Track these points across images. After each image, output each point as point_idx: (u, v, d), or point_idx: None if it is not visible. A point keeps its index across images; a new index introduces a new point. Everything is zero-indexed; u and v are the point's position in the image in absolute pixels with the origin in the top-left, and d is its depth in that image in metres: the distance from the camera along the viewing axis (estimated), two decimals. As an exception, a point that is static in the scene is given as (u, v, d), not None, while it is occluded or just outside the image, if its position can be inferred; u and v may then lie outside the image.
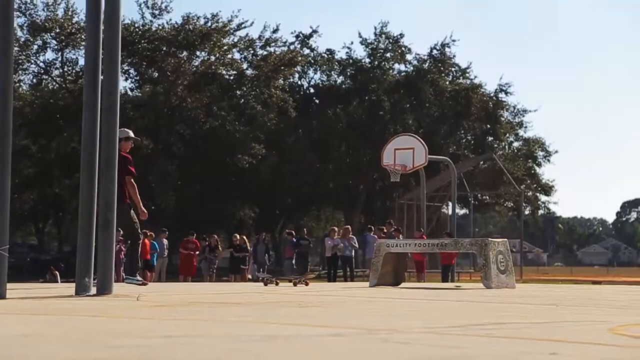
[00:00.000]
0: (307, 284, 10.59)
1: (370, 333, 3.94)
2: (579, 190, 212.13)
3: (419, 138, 24.38)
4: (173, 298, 7.26)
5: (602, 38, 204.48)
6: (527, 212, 51.65)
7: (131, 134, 10.35)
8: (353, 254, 23.80)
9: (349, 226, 26.14)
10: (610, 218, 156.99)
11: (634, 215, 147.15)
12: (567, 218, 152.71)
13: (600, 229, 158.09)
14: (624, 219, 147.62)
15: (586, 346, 3.55)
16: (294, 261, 24.34)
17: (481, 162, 43.10)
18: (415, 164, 23.31)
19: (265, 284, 10.61)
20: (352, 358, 3.01)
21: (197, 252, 24.85)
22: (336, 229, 25.47)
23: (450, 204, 47.88)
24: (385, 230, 24.06)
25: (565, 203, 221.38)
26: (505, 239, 10.13)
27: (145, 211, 10.12)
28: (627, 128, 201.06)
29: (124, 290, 8.02)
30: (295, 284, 10.48)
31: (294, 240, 25.05)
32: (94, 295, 7.14)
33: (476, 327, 4.45)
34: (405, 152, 23.45)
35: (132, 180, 9.89)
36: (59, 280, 24.92)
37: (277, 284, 10.75)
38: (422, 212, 26.08)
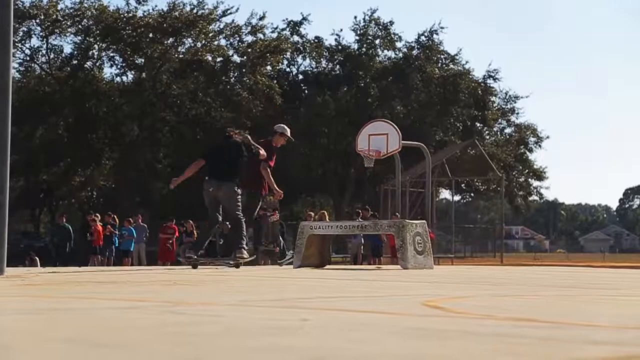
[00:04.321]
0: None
1: (167, 307, 3.99)
2: (584, 177, 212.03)
3: (393, 124, 24.38)
4: (66, 278, 7.32)
5: (597, 23, 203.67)
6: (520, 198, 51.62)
7: (287, 132, 11.95)
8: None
9: (324, 211, 26.19)
10: (615, 205, 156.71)
11: (637, 201, 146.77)
12: (571, 205, 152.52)
13: (605, 215, 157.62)
14: (626, 205, 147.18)
15: (352, 314, 3.59)
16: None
17: (469, 149, 42.92)
18: (389, 150, 23.38)
19: (195, 267, 10.75)
20: (85, 326, 3.06)
21: (176, 238, 25.20)
22: (312, 213, 25.57)
23: (441, 189, 48.18)
24: (362, 216, 24.13)
25: (570, 190, 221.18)
26: (424, 221, 10.15)
27: (280, 191, 11.22)
28: (631, 115, 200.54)
29: (21, 272, 8.10)
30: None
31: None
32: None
33: (292, 300, 4.51)
34: (379, 138, 23.64)
35: (267, 168, 11.19)
36: (38, 265, 25.07)
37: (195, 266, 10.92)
38: (398, 198, 26.18)
